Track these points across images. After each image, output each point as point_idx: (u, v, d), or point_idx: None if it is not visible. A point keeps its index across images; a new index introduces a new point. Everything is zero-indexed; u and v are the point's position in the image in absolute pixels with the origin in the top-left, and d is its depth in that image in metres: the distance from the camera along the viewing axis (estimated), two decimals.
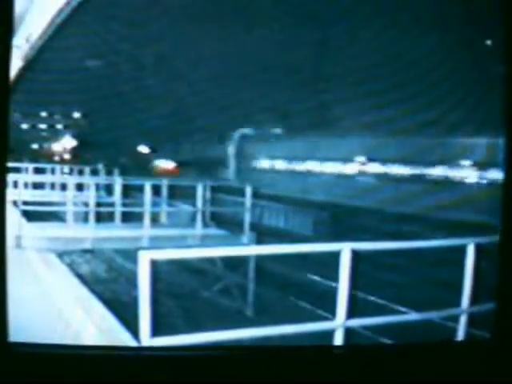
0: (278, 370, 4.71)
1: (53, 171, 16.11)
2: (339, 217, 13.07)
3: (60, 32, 12.16)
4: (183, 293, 11.22)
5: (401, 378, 4.73)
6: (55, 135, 16.94)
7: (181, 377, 4.61)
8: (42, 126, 16.79)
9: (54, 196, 14.35)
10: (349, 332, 4.91)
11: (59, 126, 16.85)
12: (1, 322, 4.41)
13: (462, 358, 4.92)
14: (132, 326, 5.36)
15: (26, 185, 13.38)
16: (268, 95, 13.98)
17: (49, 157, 16.98)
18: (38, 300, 7.19)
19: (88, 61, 14.69)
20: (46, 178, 15.43)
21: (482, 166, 11.65)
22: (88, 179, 14.94)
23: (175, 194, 14.15)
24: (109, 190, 14.68)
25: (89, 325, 6.44)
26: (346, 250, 4.80)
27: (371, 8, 11.81)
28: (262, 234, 12.17)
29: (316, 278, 11.41)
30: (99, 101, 14.96)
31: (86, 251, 11.86)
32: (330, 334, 4.89)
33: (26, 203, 11.91)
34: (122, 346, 5.52)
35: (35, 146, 17.07)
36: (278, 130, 15.26)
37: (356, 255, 4.84)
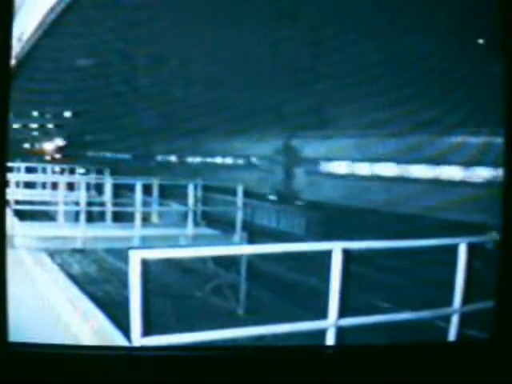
0: (270, 370, 4.71)
1: (44, 171, 16.06)
2: None
3: (52, 31, 12.12)
4: (175, 292, 11.19)
5: (396, 379, 4.72)
6: (46, 135, 16.88)
7: (173, 377, 4.61)
8: (34, 126, 16.74)
9: (46, 195, 14.30)
10: (342, 333, 4.91)
11: (50, 126, 16.80)
12: (1, 322, 4.41)
13: (458, 359, 4.92)
14: (124, 326, 5.34)
15: (17, 184, 13.35)
16: (264, 96, 13.97)
17: (40, 156, 16.92)
18: (31, 299, 7.17)
19: (80, 60, 14.65)
20: (37, 178, 15.39)
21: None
22: (79, 178, 14.90)
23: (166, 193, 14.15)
24: (99, 189, 14.64)
25: (81, 325, 6.42)
26: (337, 249, 4.80)
27: (368, 8, 11.82)
28: None
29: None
30: (91, 100, 14.92)
31: (76, 251, 11.83)
32: (322, 334, 4.89)
33: (17, 202, 11.89)
34: (121, 346, 5.51)
35: (27, 146, 17.00)
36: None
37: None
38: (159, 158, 17.40)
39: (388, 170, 13.08)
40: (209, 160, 16.91)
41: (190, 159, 17.18)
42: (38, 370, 4.46)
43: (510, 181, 4.99)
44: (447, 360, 4.86)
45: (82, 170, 16.02)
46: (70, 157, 16.48)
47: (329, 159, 14.30)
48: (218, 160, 16.77)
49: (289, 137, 14.76)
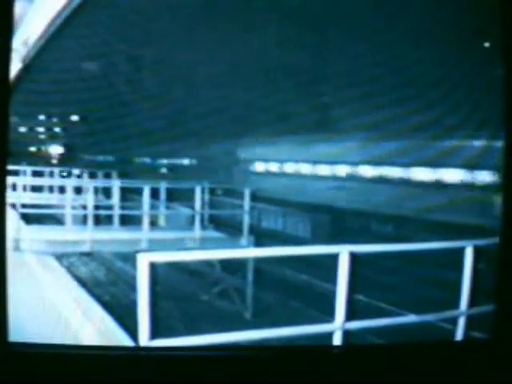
0: (275, 370, 4.72)
1: (51, 174, 16.08)
2: None
3: (57, 35, 12.15)
4: (182, 295, 11.20)
5: (400, 379, 4.73)
6: (53, 138, 16.92)
7: (177, 376, 4.62)
8: (40, 129, 16.78)
9: (53, 199, 14.34)
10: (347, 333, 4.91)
11: (57, 129, 16.85)
12: (1, 322, 4.43)
13: (460, 359, 4.91)
14: (131, 329, 5.36)
15: (24, 187, 13.37)
16: (267, 97, 13.99)
17: (47, 159, 16.96)
18: (37, 302, 7.20)
19: (85, 64, 14.69)
20: (44, 181, 15.41)
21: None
22: (86, 182, 14.92)
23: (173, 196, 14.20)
24: (107, 192, 14.66)
25: (88, 327, 6.44)
26: (344, 252, 4.81)
27: (370, 10, 11.82)
28: None
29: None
30: (97, 104, 14.94)
31: (84, 254, 11.85)
32: (328, 336, 4.90)
33: (24, 206, 11.92)
34: (121, 346, 5.52)
35: (33, 149, 17.03)
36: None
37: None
38: (137, 160, 17.72)
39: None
40: (176, 162, 17.45)
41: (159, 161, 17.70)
42: (38, 370, 4.47)
43: (509, 183, 4.98)
44: (451, 359, 4.86)
45: (76, 172, 16.07)
46: (72, 159, 16.56)
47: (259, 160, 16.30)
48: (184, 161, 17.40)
49: (229, 141, 15.65)
